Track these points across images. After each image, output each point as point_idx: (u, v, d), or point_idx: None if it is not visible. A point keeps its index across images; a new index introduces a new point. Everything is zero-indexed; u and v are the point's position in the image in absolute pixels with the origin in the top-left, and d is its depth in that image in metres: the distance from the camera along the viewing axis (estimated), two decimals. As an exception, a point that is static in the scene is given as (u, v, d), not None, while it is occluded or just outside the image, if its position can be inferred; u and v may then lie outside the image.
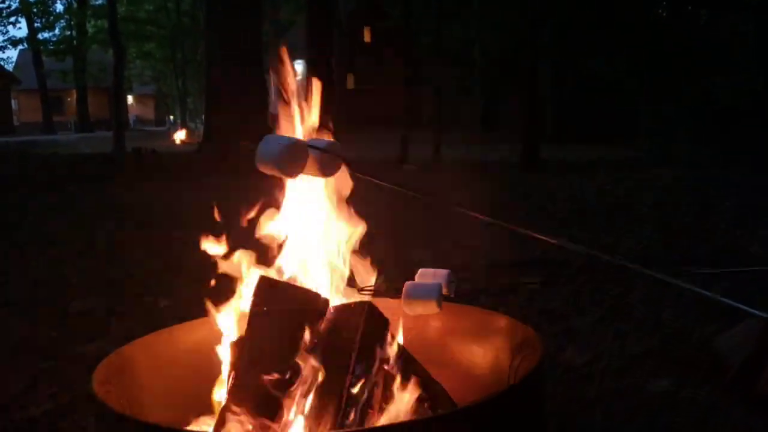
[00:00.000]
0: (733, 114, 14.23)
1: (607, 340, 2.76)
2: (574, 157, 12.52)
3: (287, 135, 1.56)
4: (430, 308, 1.60)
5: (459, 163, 12.04)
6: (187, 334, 1.75)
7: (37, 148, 17.60)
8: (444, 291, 1.64)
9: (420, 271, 1.69)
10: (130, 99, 47.35)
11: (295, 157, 1.48)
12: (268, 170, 1.49)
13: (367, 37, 26.30)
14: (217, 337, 1.72)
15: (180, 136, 24.98)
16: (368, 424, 1.38)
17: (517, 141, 12.12)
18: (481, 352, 1.76)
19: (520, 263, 4.09)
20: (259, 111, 11.04)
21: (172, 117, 46.60)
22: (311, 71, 13.29)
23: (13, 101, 41.14)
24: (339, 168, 1.57)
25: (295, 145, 1.50)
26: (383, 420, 1.42)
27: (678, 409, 2.13)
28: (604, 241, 4.69)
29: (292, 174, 1.50)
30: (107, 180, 9.51)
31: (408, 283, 1.62)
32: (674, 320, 2.96)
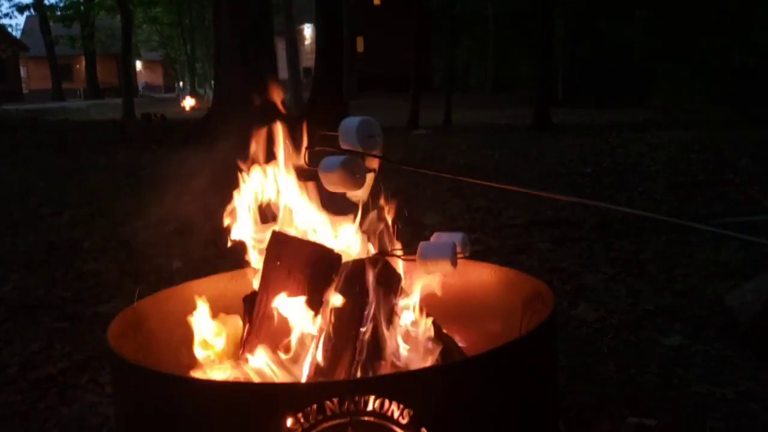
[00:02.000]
0: (750, 73, 14.00)
1: (619, 296, 2.76)
2: (587, 119, 12.40)
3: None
4: (443, 267, 1.60)
5: (470, 127, 11.95)
6: (200, 290, 1.76)
7: (47, 115, 17.61)
8: (459, 251, 1.64)
9: (435, 234, 1.69)
10: (138, 65, 47.17)
11: (353, 171, 1.53)
12: (336, 189, 1.56)
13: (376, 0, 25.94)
14: (231, 292, 1.73)
15: (189, 102, 24.91)
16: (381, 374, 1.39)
17: (529, 104, 12.01)
18: (492, 307, 1.76)
19: (532, 223, 4.08)
20: (268, 76, 10.97)
21: (181, 83, 46.43)
22: (320, 35, 13.18)
23: (21, 68, 41.05)
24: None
25: (349, 161, 1.53)
26: (395, 370, 1.42)
27: (690, 362, 2.13)
28: (617, 200, 4.66)
29: (359, 186, 1.55)
30: (118, 146, 9.53)
31: (422, 243, 1.62)
32: (687, 277, 2.95)
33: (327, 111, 10.85)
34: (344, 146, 1.56)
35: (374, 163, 1.60)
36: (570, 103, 17.12)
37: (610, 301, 2.71)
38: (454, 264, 1.58)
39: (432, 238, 1.69)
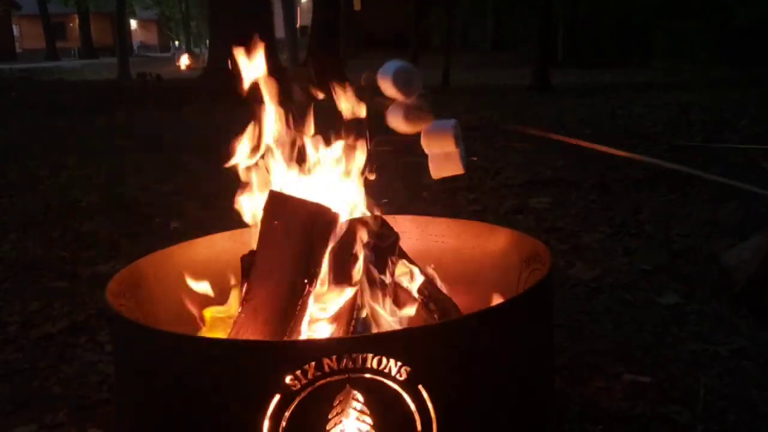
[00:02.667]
0: (751, 32, 13.83)
1: (616, 256, 2.78)
2: (587, 80, 12.29)
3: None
4: (447, 144, 1.60)
5: (469, 87, 11.85)
6: (198, 249, 1.76)
7: (41, 75, 17.42)
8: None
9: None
10: (133, 24, 46.46)
11: (410, 79, 1.56)
12: (389, 90, 1.56)
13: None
14: (229, 252, 1.73)
15: (184, 61, 24.61)
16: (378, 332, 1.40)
17: (529, 64, 11.88)
18: (490, 266, 1.76)
19: (530, 183, 4.08)
20: (263, 35, 10.81)
21: (176, 42, 45.84)
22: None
23: (14, 27, 40.46)
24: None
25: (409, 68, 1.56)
26: (392, 328, 1.43)
27: (685, 321, 2.15)
28: (616, 162, 4.64)
29: (411, 94, 1.56)
30: (114, 106, 9.44)
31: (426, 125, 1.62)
32: (684, 237, 2.96)
33: (323, 70, 10.73)
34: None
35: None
36: (570, 64, 16.92)
37: (606, 260, 2.73)
38: (458, 145, 1.58)
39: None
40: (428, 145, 1.58)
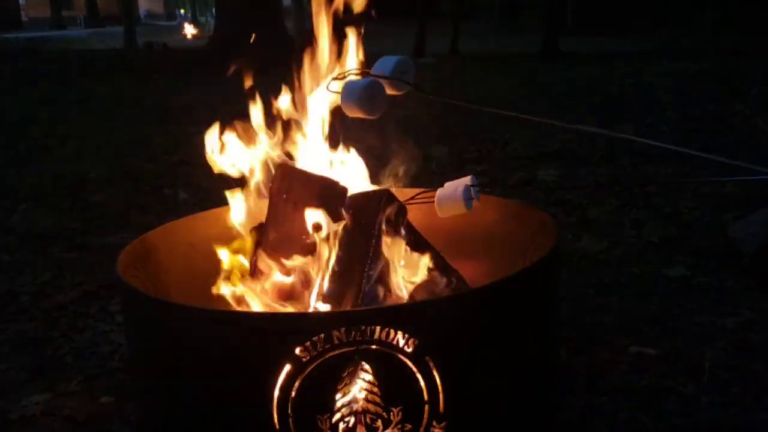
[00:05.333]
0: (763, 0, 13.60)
1: (624, 228, 2.77)
2: (596, 48, 12.13)
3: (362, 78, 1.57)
4: (459, 209, 1.60)
5: (478, 55, 11.74)
6: (208, 222, 1.77)
7: (47, 44, 17.33)
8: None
9: (446, 184, 1.67)
10: (139, -8, 46.08)
11: (374, 97, 1.52)
12: (354, 114, 1.54)
13: None
14: (238, 225, 1.74)
15: (190, 30, 24.43)
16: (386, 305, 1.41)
17: (538, 32, 11.74)
18: (497, 239, 1.77)
19: (539, 156, 4.06)
20: (269, 3, 10.73)
21: (182, 11, 45.47)
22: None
23: (19, -5, 40.22)
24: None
25: (370, 86, 1.52)
26: (400, 301, 1.45)
27: (692, 293, 2.16)
28: (625, 131, 4.61)
29: (377, 113, 1.53)
30: (121, 76, 9.42)
31: (439, 190, 1.62)
32: (692, 209, 2.95)
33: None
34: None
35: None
36: (579, 31, 16.70)
37: (614, 233, 2.73)
38: (469, 207, 1.58)
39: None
40: (441, 212, 1.58)
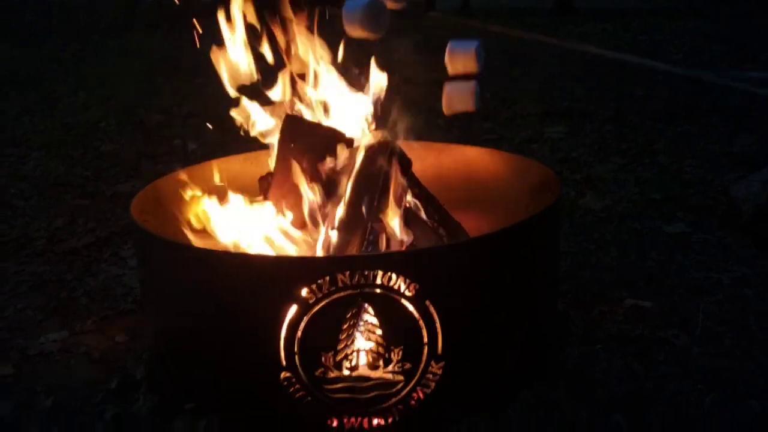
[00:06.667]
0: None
1: (627, 186, 2.80)
2: (609, 4, 11.91)
3: None
4: (470, 65, 1.59)
5: (490, 10, 11.55)
6: (218, 169, 1.81)
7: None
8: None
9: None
10: (146, -59, 45.33)
11: (378, 15, 1.51)
12: (357, 34, 1.52)
13: None
14: (246, 173, 1.79)
15: (200, -19, 24.13)
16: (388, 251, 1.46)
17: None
18: (499, 193, 1.80)
19: (546, 113, 4.06)
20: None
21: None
22: None
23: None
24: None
25: (372, 4, 1.51)
26: (403, 248, 1.49)
27: (690, 249, 2.20)
28: (635, 91, 4.58)
29: (380, 32, 1.52)
30: (129, 28, 9.35)
31: (450, 42, 1.61)
32: (696, 168, 2.97)
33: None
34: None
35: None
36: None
37: (617, 190, 2.76)
38: (480, 67, 1.57)
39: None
40: (451, 65, 1.57)
